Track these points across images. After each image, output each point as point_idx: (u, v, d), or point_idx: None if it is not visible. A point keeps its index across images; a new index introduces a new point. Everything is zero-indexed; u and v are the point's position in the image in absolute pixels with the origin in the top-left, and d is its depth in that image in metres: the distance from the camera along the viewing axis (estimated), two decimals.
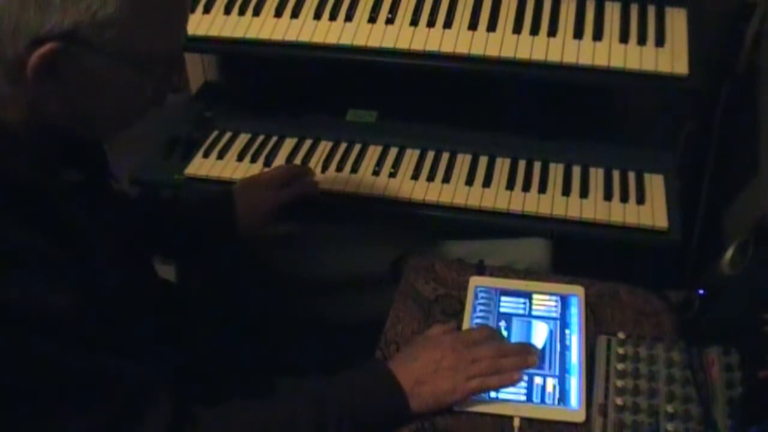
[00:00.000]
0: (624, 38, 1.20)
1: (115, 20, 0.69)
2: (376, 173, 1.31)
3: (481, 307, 1.05)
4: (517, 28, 1.22)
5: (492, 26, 1.23)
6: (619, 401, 0.90)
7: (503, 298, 1.06)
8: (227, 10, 1.29)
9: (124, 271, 0.84)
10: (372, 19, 1.25)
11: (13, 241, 0.69)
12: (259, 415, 0.86)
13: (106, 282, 0.79)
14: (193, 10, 1.29)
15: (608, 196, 1.26)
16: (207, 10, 1.30)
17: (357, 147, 1.37)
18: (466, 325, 1.03)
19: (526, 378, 0.96)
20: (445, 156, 1.34)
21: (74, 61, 0.70)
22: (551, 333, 1.02)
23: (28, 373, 0.70)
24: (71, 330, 0.72)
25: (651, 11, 1.24)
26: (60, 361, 0.71)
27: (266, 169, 1.32)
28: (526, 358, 0.98)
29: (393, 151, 1.36)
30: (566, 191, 1.27)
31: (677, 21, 1.23)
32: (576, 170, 1.31)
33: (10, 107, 0.73)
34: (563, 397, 0.94)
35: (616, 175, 1.30)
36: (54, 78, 0.70)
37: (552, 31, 1.21)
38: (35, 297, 0.69)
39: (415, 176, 1.30)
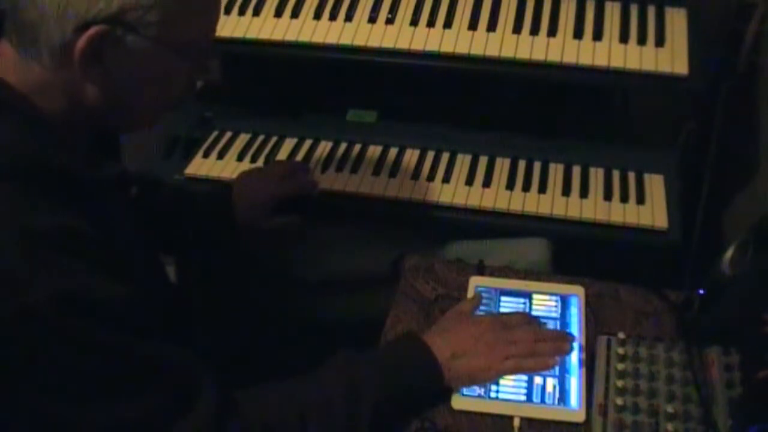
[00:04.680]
0: (624, 38, 1.20)
1: (158, 3, 0.71)
2: (376, 173, 1.31)
3: (482, 307, 1.05)
4: (517, 28, 1.22)
5: (492, 26, 1.23)
6: (619, 401, 0.90)
7: (503, 298, 1.06)
8: (227, 10, 1.30)
9: (152, 266, 0.86)
10: (372, 19, 1.25)
11: (68, 231, 0.70)
12: (294, 399, 0.86)
13: (145, 273, 0.81)
14: None
15: (608, 196, 1.26)
16: None
17: (357, 147, 1.37)
18: None
19: (525, 378, 0.96)
20: (445, 156, 1.34)
21: (119, 44, 0.72)
22: None
23: (89, 360, 0.71)
24: (128, 318, 0.73)
25: (651, 11, 1.24)
26: (120, 348, 0.73)
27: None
28: (561, 345, 0.98)
29: (393, 151, 1.36)
30: (566, 191, 1.27)
31: (677, 21, 1.23)
32: (576, 170, 1.31)
33: (50, 95, 0.74)
34: (563, 397, 0.94)
35: (616, 175, 1.30)
36: (98, 62, 0.72)
37: (552, 31, 1.21)
38: (95, 286, 0.70)
39: (415, 176, 1.30)
